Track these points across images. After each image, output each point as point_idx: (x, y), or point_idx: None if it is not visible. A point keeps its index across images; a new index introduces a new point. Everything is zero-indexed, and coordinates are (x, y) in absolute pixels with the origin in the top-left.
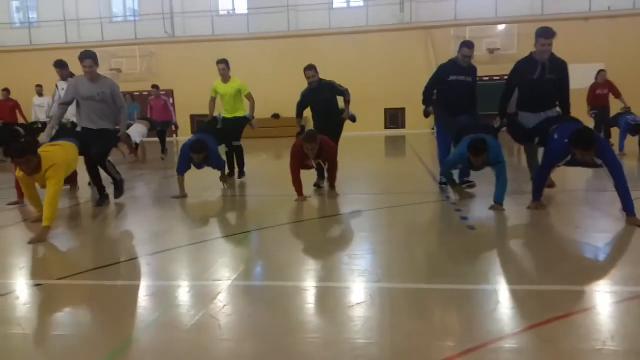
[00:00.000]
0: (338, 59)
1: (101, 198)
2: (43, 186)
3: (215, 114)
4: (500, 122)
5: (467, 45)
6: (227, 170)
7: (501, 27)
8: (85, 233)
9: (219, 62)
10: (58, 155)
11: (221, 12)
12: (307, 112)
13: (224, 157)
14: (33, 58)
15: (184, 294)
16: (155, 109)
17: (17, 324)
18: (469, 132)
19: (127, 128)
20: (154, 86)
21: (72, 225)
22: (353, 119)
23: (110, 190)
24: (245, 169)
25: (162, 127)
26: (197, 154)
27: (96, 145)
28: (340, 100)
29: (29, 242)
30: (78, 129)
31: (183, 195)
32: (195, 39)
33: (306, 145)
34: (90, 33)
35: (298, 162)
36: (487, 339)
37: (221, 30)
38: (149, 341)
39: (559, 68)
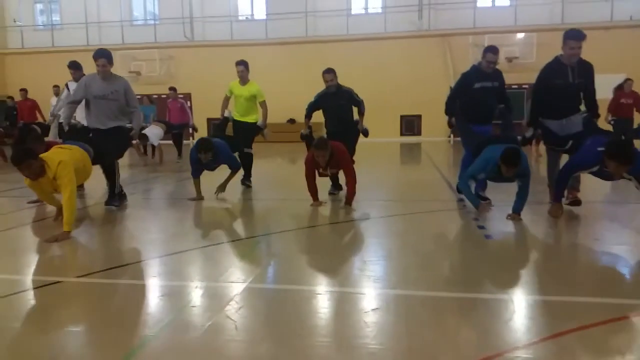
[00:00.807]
0: (355, 66)
1: (120, 198)
2: (55, 190)
3: (227, 113)
4: (533, 132)
5: (492, 50)
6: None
7: (520, 35)
8: (103, 233)
9: (238, 63)
10: (63, 154)
11: (240, 18)
12: (320, 118)
13: None
14: (55, 59)
15: (200, 295)
16: (173, 112)
17: (36, 321)
18: (492, 144)
19: (142, 130)
20: (172, 88)
21: (89, 226)
22: (366, 133)
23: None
24: (261, 173)
25: (178, 130)
26: (204, 153)
27: (109, 147)
28: (354, 111)
29: (46, 241)
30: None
31: (200, 198)
32: (214, 43)
33: (317, 153)
34: (111, 36)
35: (312, 172)
36: (503, 348)
37: (240, 35)
38: (166, 341)
39: (588, 72)
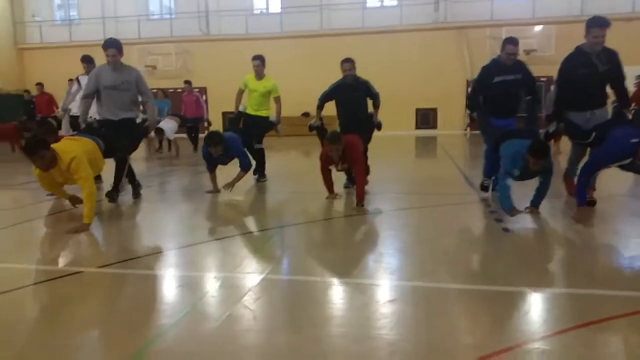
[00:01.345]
0: (370, 59)
1: (135, 190)
2: (67, 182)
3: (241, 108)
4: (557, 126)
5: (512, 42)
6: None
7: (538, 28)
8: (121, 225)
9: (255, 58)
10: (74, 147)
11: (255, 11)
12: (332, 111)
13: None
14: (73, 54)
15: (218, 285)
16: (188, 105)
17: (58, 310)
18: (511, 138)
19: (157, 123)
20: (187, 82)
21: (108, 218)
22: (379, 126)
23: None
24: (275, 166)
25: (193, 124)
26: (213, 147)
27: (121, 139)
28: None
29: (67, 232)
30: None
31: (216, 191)
32: (230, 37)
33: (330, 147)
34: (128, 30)
35: (327, 168)
36: (520, 340)
37: (255, 29)
38: (185, 330)
39: (613, 58)
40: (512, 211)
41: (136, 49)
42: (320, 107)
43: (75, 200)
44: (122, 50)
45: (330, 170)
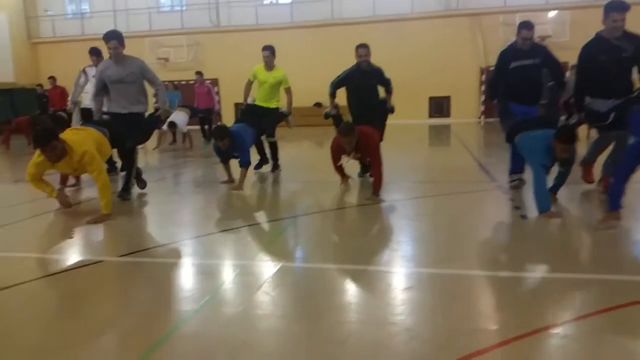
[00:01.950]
0: (382, 47)
1: (141, 183)
2: (75, 173)
3: (250, 100)
4: (578, 117)
5: (526, 26)
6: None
7: (552, 13)
8: (139, 216)
9: (264, 48)
10: (85, 140)
11: (265, 2)
12: (344, 101)
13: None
14: (85, 47)
15: (237, 273)
16: (200, 96)
17: (82, 297)
18: (529, 128)
19: (169, 113)
20: (198, 73)
21: (125, 209)
22: (392, 110)
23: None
24: (288, 156)
25: (204, 115)
26: (220, 140)
27: (130, 132)
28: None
29: (87, 223)
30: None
31: (231, 180)
32: (240, 28)
33: (343, 139)
34: (139, 23)
35: (338, 159)
36: (539, 326)
37: (265, 20)
38: (206, 316)
39: (636, 42)
40: (549, 214)
41: (147, 42)
42: (332, 94)
43: (65, 203)
44: (123, 42)
45: (340, 161)
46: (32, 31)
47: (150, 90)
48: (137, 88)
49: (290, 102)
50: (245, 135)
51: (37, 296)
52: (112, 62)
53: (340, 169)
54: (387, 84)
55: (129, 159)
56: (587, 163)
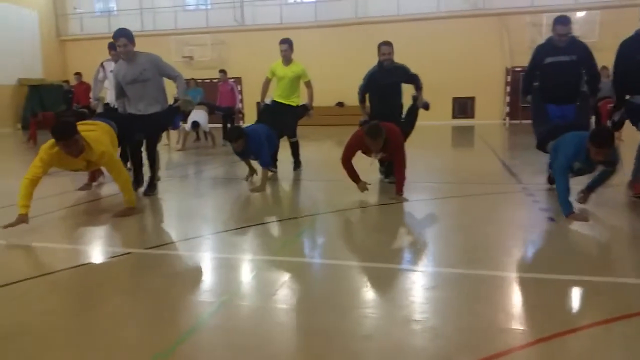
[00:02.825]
0: (406, 47)
1: (136, 181)
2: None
3: (267, 100)
4: (622, 115)
5: (562, 22)
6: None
7: (581, 14)
8: (164, 210)
9: (282, 41)
10: (101, 137)
11: (289, 0)
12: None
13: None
14: None
15: (261, 267)
16: (223, 94)
17: (112, 287)
18: (562, 132)
19: (189, 104)
20: (222, 71)
21: (150, 204)
22: (426, 106)
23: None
24: (310, 155)
25: (225, 113)
26: (234, 142)
27: (146, 131)
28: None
29: (114, 216)
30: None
31: (252, 172)
32: (264, 27)
33: (370, 142)
34: (165, 21)
35: (354, 151)
36: (564, 329)
37: (289, 19)
38: (234, 308)
39: None
40: (574, 215)
41: (173, 40)
42: (361, 101)
43: (17, 223)
44: (133, 40)
45: (351, 160)
46: (61, 29)
47: (171, 90)
48: (154, 86)
49: (311, 96)
50: (262, 135)
51: (68, 285)
52: (124, 63)
53: (352, 171)
54: (414, 80)
55: (151, 153)
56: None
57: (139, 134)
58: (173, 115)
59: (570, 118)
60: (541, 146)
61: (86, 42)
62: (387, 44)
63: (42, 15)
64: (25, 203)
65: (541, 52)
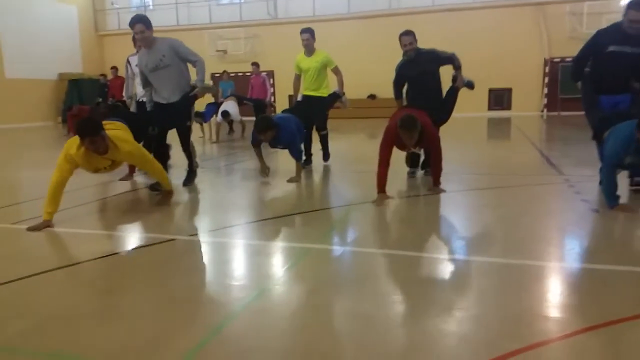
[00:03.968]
0: (440, 38)
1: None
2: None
3: (300, 98)
4: None
5: (635, 6)
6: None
7: (625, 1)
8: (201, 200)
9: (303, 31)
10: (125, 136)
11: None
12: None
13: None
14: None
15: (304, 254)
16: (255, 87)
17: (159, 271)
18: (617, 122)
19: (208, 88)
20: (254, 64)
21: (186, 194)
22: (471, 85)
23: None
24: (341, 147)
25: (255, 104)
26: (263, 134)
27: (169, 122)
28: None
29: (157, 204)
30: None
31: (265, 168)
32: (297, 20)
33: (404, 135)
34: (199, 16)
35: (390, 148)
36: (607, 319)
37: (322, 11)
38: (280, 292)
39: None
40: (621, 206)
41: (207, 34)
42: (398, 96)
43: (39, 228)
44: (151, 26)
45: (389, 157)
46: (99, 24)
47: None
48: (176, 72)
49: (341, 82)
50: (293, 125)
51: (117, 269)
52: (145, 51)
53: (383, 173)
54: (450, 60)
55: (184, 144)
56: None
57: (151, 128)
58: (192, 100)
59: (625, 107)
60: (597, 137)
61: (123, 37)
62: (408, 33)
63: (80, 10)
64: (51, 210)
65: (605, 37)
